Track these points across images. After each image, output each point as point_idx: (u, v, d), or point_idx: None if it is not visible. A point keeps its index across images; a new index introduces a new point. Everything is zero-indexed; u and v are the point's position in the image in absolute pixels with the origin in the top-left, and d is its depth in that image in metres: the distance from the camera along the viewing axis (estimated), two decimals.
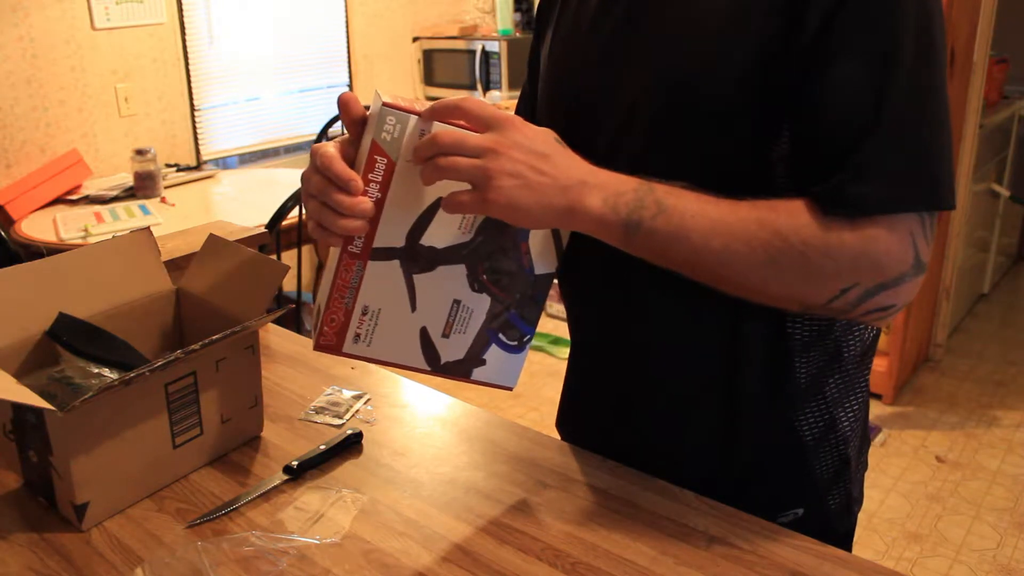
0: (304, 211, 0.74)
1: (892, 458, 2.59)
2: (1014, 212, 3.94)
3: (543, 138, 0.68)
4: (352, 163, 0.70)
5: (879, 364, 2.84)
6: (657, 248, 0.69)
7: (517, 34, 3.82)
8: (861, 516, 0.91)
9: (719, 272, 0.69)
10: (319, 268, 2.76)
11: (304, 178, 0.71)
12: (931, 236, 0.68)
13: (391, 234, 0.70)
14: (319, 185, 0.68)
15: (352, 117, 0.70)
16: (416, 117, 0.67)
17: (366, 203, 0.67)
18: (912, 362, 3.07)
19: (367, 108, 0.70)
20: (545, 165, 0.67)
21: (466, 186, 0.67)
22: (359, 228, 0.68)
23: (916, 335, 3.03)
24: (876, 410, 2.85)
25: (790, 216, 0.67)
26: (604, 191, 0.68)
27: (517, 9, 3.93)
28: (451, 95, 3.85)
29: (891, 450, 2.64)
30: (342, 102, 0.69)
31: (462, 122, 0.68)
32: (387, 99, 0.67)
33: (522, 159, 0.66)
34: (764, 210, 0.68)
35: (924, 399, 2.95)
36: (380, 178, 0.68)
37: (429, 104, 0.69)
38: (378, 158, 0.67)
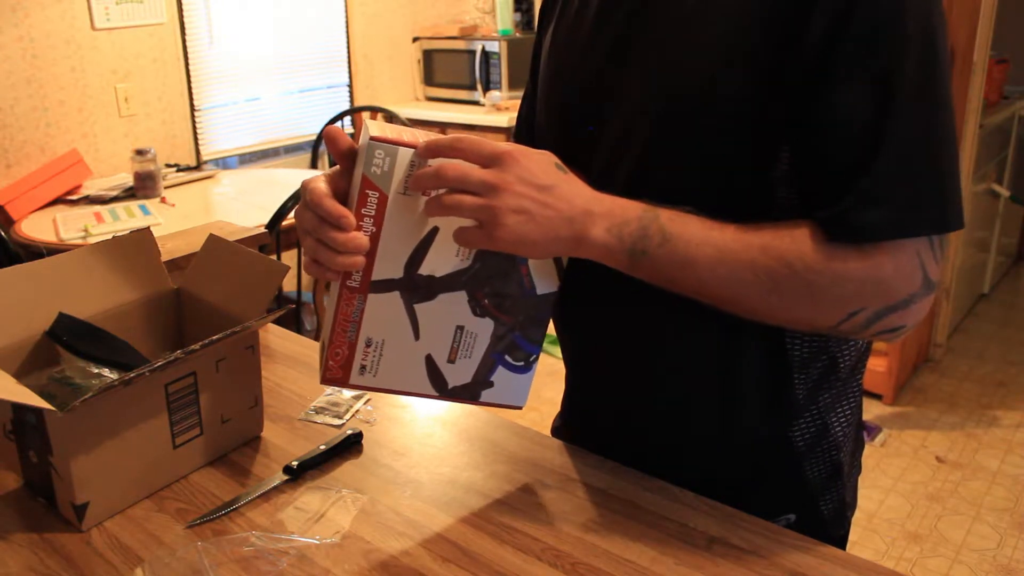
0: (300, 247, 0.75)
1: (892, 458, 2.59)
2: (1014, 212, 3.94)
3: (544, 167, 0.67)
4: (344, 196, 0.69)
5: (879, 364, 2.84)
6: (662, 275, 0.69)
7: (517, 34, 3.81)
8: (861, 516, 0.91)
9: (725, 298, 0.69)
10: None
11: (297, 214, 0.70)
12: (940, 255, 0.68)
13: (389, 266, 0.70)
14: (312, 222, 0.67)
15: (340, 150, 0.70)
16: (404, 149, 0.66)
17: (361, 239, 0.67)
18: (912, 362, 3.07)
19: (369, 109, 0.70)
20: (549, 197, 0.66)
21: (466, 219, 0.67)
22: (355, 264, 0.67)
23: (916, 335, 3.03)
24: (876, 410, 2.85)
25: (794, 243, 0.66)
26: (609, 219, 0.68)
27: (517, 9, 3.92)
28: (451, 95, 3.86)
29: (891, 450, 2.64)
30: (327, 136, 0.69)
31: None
32: (375, 132, 0.66)
33: (526, 193, 0.65)
34: (769, 237, 0.67)
35: (924, 399, 2.95)
36: (373, 212, 0.68)
37: (413, 131, 0.69)
38: (369, 192, 0.67)
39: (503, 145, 0.67)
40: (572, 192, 0.68)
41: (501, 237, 0.65)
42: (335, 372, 0.73)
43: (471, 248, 0.69)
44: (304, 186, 0.69)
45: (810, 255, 0.66)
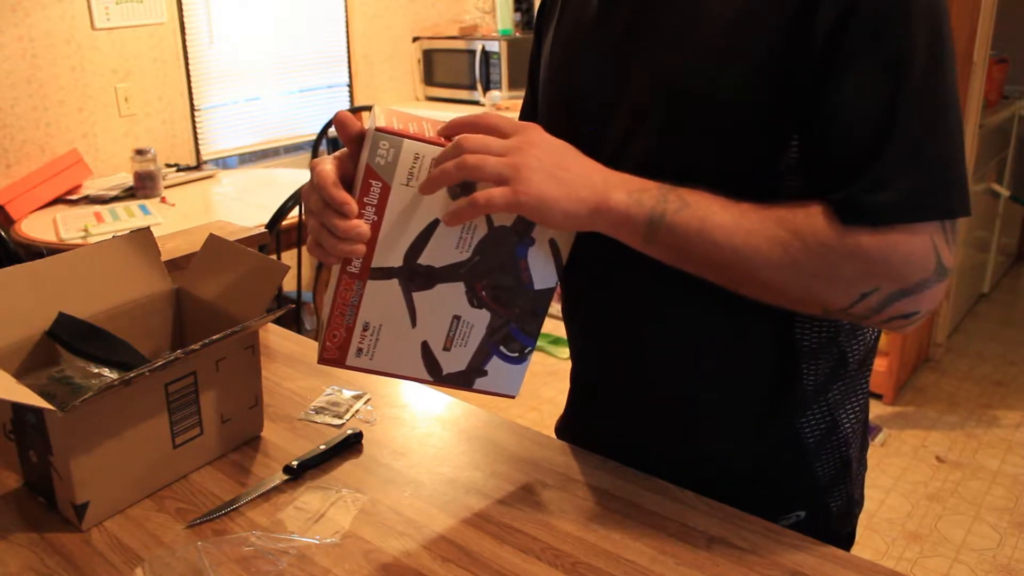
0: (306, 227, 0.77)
1: (892, 458, 2.59)
2: (1014, 212, 3.94)
3: (563, 143, 0.71)
4: (351, 180, 0.71)
5: (879, 364, 2.84)
6: (678, 244, 0.69)
7: (517, 34, 3.81)
8: (861, 516, 0.91)
9: (739, 270, 0.69)
10: (319, 268, 2.76)
11: (304, 194, 0.72)
12: (952, 241, 0.68)
13: (388, 255, 0.71)
14: (317, 205, 0.69)
15: (349, 134, 0.70)
16: (409, 141, 0.67)
17: (362, 227, 0.68)
18: (912, 362, 3.07)
19: (368, 108, 0.70)
20: (570, 163, 0.69)
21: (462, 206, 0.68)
22: (356, 252, 0.69)
23: (916, 335, 3.03)
24: (876, 410, 2.85)
25: (808, 218, 0.67)
26: (628, 185, 0.69)
27: (517, 9, 3.92)
28: (451, 95, 3.85)
29: (891, 450, 2.64)
30: (338, 122, 0.70)
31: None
32: (381, 122, 0.67)
33: (547, 157, 0.68)
34: (783, 211, 0.68)
35: (924, 399, 2.95)
36: (376, 202, 0.69)
37: (421, 120, 0.71)
38: (373, 182, 0.68)
39: (523, 122, 0.70)
40: (591, 163, 0.71)
41: (525, 192, 0.66)
42: (332, 353, 0.74)
43: (492, 211, 0.69)
44: (312, 167, 0.70)
45: (823, 230, 0.66)
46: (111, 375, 0.87)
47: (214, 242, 1.00)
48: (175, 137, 3.16)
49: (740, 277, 0.69)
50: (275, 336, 1.23)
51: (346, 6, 3.66)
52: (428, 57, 3.92)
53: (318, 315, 2.70)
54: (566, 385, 1.01)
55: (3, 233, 2.24)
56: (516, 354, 0.79)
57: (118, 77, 2.94)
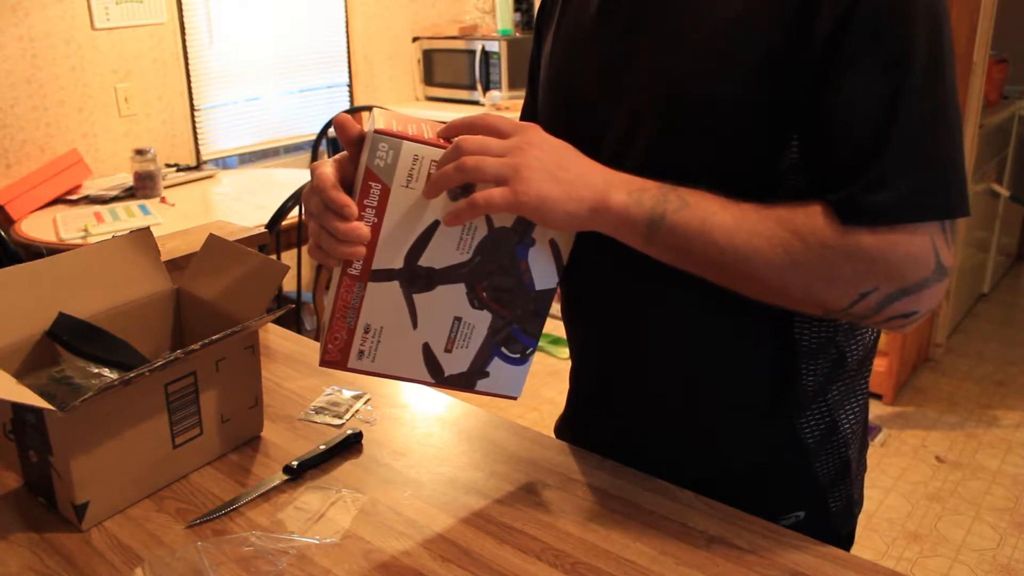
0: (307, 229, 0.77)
1: (892, 458, 2.59)
2: (1014, 212, 3.94)
3: (563, 143, 0.71)
4: (352, 183, 0.71)
5: (879, 364, 2.84)
6: (679, 244, 0.69)
7: (517, 34, 3.81)
8: (861, 516, 0.91)
9: (740, 270, 0.69)
10: (319, 268, 2.77)
11: (304, 197, 0.72)
12: (952, 240, 0.68)
13: (389, 256, 0.71)
14: (318, 207, 0.69)
15: (349, 137, 0.71)
16: (408, 143, 0.68)
17: (362, 230, 0.68)
18: (912, 362, 3.07)
19: (368, 109, 0.71)
20: (569, 163, 0.69)
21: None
22: (356, 254, 0.69)
23: (916, 335, 3.03)
24: (876, 410, 2.85)
25: (808, 218, 0.67)
26: (629, 186, 0.70)
27: (517, 9, 3.92)
28: (451, 95, 3.85)
29: (891, 450, 2.64)
30: (337, 124, 0.70)
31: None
32: (380, 124, 0.68)
33: (546, 157, 0.68)
34: (783, 211, 0.68)
35: (924, 399, 2.95)
36: (375, 204, 0.69)
37: (421, 122, 0.71)
38: (372, 184, 0.68)
39: (523, 122, 0.70)
40: (591, 163, 0.71)
41: (524, 192, 0.66)
42: (334, 355, 0.74)
43: (492, 212, 0.69)
44: (313, 170, 0.70)
45: (823, 230, 0.66)
46: (111, 375, 0.87)
47: (214, 242, 1.00)
48: (175, 137, 3.16)
49: (740, 277, 0.69)
50: (275, 336, 1.23)
51: (346, 6, 3.66)
52: (428, 57, 3.92)
53: (318, 315, 2.70)
54: (566, 385, 1.01)
55: (3, 233, 2.24)
56: (518, 355, 0.79)
57: (118, 77, 2.94)
